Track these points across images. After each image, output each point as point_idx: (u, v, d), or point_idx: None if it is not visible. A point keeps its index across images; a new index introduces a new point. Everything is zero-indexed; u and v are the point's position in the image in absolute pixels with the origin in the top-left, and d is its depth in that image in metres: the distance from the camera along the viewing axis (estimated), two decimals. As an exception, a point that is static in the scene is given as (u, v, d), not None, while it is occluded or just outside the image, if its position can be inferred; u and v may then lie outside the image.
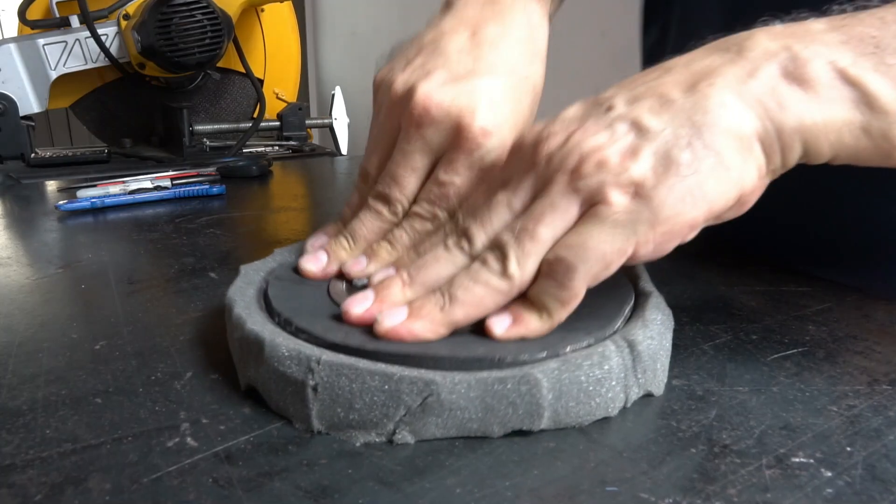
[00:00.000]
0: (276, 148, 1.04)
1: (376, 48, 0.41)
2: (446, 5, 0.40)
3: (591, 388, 0.26)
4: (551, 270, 0.27)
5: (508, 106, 0.35)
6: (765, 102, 0.26)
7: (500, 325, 0.27)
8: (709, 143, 0.26)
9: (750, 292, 0.40)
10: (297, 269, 0.34)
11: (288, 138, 1.04)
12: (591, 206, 0.26)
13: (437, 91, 0.34)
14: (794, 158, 0.27)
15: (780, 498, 0.22)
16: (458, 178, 0.33)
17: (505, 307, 0.28)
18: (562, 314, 0.27)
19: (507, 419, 0.25)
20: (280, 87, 1.12)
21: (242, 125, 1.01)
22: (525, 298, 0.28)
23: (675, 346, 0.31)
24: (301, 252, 0.36)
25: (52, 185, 0.78)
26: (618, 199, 0.26)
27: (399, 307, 0.28)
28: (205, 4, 0.89)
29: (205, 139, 1.00)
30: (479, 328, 0.28)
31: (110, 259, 0.48)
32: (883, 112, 0.26)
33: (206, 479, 0.23)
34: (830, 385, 0.29)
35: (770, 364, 0.31)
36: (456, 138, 0.33)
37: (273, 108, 1.07)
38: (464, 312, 0.27)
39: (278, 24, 1.09)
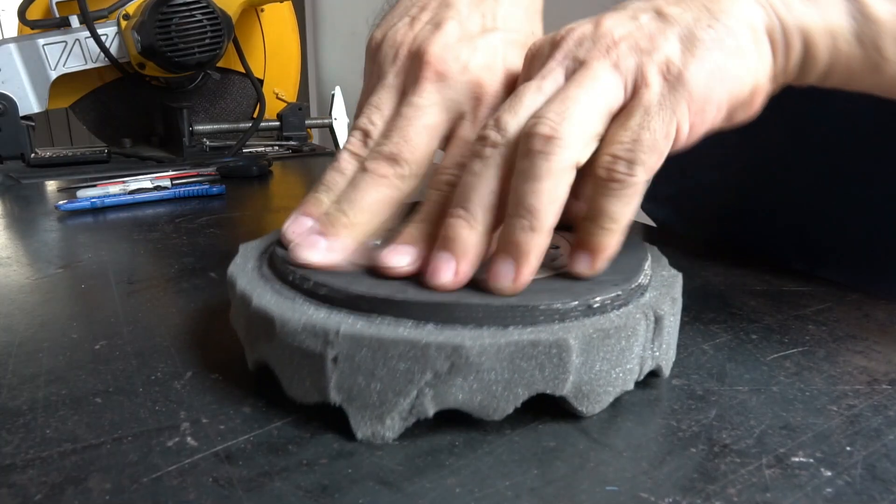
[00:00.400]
0: (276, 148, 1.04)
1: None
2: None
3: (615, 356, 0.26)
4: (611, 171, 0.26)
5: (520, 65, 0.33)
6: (770, 1, 0.28)
7: (585, 265, 0.27)
8: (728, 25, 0.27)
9: (750, 292, 0.40)
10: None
11: (288, 138, 1.04)
12: (633, 88, 0.27)
13: (454, 47, 0.32)
14: (794, 60, 0.28)
15: (780, 497, 0.22)
16: None
17: (574, 241, 0.28)
18: (627, 216, 0.27)
19: (534, 381, 0.24)
20: (280, 87, 1.12)
21: (242, 125, 1.01)
22: (583, 223, 0.27)
23: (675, 355, 0.31)
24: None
25: (52, 185, 0.78)
26: (656, 81, 0.26)
27: (503, 260, 0.26)
28: (205, 4, 0.88)
29: (205, 139, 1.00)
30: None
31: (110, 259, 0.48)
32: (873, 20, 0.27)
33: (206, 478, 0.23)
34: (830, 385, 0.29)
35: (770, 364, 0.31)
36: (477, 97, 0.32)
37: (273, 108, 1.07)
38: (553, 216, 0.26)
39: (278, 24, 1.09)
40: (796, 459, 0.24)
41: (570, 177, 0.26)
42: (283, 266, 0.29)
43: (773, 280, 0.42)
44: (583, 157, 0.26)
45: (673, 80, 0.26)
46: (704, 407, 0.27)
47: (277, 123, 1.04)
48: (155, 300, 0.40)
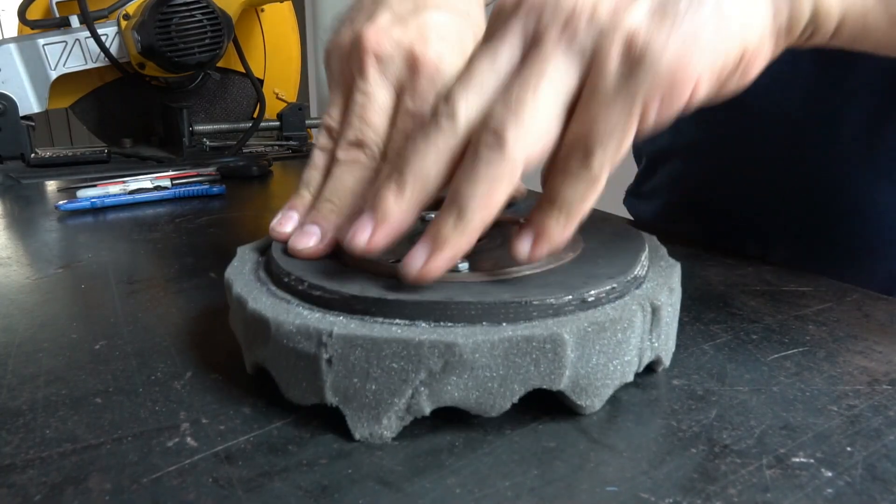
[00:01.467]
0: (276, 148, 1.04)
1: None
2: None
3: (612, 349, 0.25)
4: (566, 160, 0.25)
5: (455, 38, 0.34)
6: None
7: (524, 247, 0.26)
8: None
9: (750, 292, 0.40)
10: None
11: (288, 138, 1.04)
12: (590, 70, 0.24)
13: (385, 29, 0.33)
14: (804, 16, 0.26)
15: (781, 498, 0.22)
16: (427, 106, 0.32)
17: (519, 225, 0.26)
18: (582, 209, 0.25)
19: (529, 377, 0.24)
20: (280, 87, 1.12)
21: (242, 125, 1.01)
22: (538, 204, 0.26)
23: (675, 345, 0.31)
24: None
25: (52, 185, 0.78)
26: (615, 63, 0.24)
27: (418, 251, 0.25)
28: (205, 4, 0.88)
29: (205, 139, 1.00)
30: (491, 265, 0.28)
31: (110, 259, 0.48)
32: None
33: (206, 479, 0.23)
34: (831, 385, 0.29)
35: (770, 364, 0.31)
36: (413, 68, 0.33)
37: (273, 108, 1.07)
38: (480, 220, 0.25)
39: (278, 24, 1.09)
40: (797, 460, 0.24)
41: (511, 181, 0.25)
42: (278, 269, 0.29)
43: (773, 280, 0.42)
44: (533, 156, 0.25)
45: (635, 60, 0.23)
46: (705, 407, 0.27)
47: (277, 123, 1.04)
48: (155, 300, 0.40)
